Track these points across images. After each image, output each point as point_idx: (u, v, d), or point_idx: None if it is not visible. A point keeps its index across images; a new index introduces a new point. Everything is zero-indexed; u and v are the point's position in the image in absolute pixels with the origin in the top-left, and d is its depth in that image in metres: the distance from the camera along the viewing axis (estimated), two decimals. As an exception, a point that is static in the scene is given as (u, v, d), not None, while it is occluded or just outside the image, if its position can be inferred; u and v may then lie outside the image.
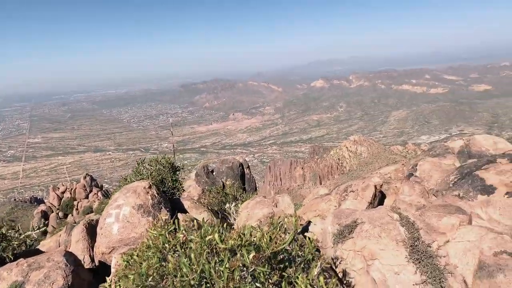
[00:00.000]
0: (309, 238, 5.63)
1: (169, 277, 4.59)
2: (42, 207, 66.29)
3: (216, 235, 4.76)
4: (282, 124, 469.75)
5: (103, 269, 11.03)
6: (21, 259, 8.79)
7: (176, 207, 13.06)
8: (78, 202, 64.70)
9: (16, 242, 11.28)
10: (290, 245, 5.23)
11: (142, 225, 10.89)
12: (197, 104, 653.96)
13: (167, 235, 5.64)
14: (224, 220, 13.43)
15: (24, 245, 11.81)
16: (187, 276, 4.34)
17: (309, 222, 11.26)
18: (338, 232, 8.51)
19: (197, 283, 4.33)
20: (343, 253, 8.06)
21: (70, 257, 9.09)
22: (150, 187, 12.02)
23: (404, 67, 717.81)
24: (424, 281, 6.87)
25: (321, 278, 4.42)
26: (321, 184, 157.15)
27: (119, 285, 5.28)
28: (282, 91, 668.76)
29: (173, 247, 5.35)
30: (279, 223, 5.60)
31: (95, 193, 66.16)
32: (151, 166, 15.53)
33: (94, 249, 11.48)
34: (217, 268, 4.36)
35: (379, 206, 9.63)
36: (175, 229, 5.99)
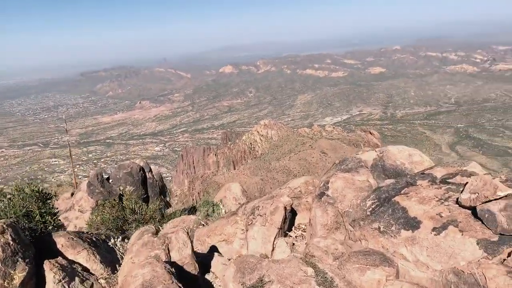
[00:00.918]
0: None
1: None
2: None
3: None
4: (193, 111, 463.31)
5: None
6: None
7: (45, 250, 9.98)
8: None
9: None
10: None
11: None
12: (99, 93, 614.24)
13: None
14: (110, 257, 10.91)
15: None
16: None
17: (212, 250, 9.81)
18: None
19: None
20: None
21: None
22: (2, 232, 8.87)
23: (307, 53, 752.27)
24: None
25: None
26: (234, 169, 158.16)
27: None
28: (190, 78, 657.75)
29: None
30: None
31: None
32: (13, 197, 12.26)
33: None
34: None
35: (289, 257, 8.21)
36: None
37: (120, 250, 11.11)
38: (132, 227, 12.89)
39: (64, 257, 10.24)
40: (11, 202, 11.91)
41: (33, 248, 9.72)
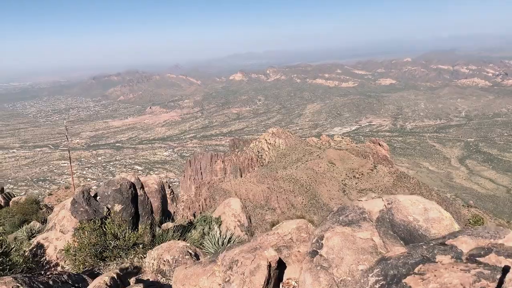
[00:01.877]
0: None
1: None
2: None
3: None
4: (202, 118, 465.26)
5: None
6: None
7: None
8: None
9: None
10: None
11: None
12: (110, 97, 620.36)
13: None
14: None
15: None
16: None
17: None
18: None
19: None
20: None
21: None
22: None
23: (317, 62, 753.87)
24: None
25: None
26: (241, 176, 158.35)
27: None
28: (201, 84, 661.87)
29: None
30: None
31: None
32: None
33: None
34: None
35: None
36: None
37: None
38: (112, 254, 11.88)
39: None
40: None
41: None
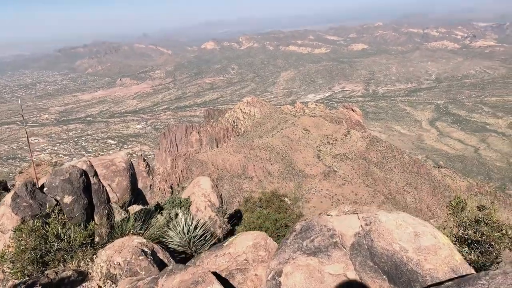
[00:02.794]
0: None
1: None
2: None
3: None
4: (175, 89, 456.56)
5: None
6: None
7: None
8: None
9: None
10: None
11: None
12: (78, 70, 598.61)
13: None
14: None
15: None
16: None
17: None
18: None
19: None
20: None
21: None
22: None
23: (289, 28, 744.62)
24: None
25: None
26: (217, 147, 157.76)
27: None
28: (171, 54, 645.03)
29: None
30: None
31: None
32: None
33: None
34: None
35: None
36: None
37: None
38: (55, 258, 9.84)
39: None
40: None
41: None
